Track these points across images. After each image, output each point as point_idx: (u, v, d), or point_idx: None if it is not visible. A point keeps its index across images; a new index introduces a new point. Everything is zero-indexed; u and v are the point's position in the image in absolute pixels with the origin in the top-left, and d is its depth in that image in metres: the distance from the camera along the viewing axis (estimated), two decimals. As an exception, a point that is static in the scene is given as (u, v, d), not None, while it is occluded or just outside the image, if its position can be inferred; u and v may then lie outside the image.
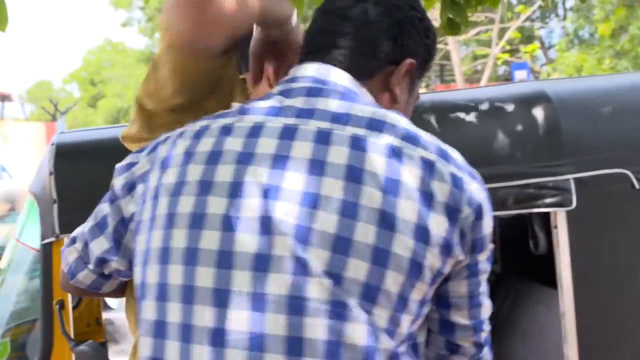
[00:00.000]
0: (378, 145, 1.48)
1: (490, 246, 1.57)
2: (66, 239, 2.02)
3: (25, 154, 22.32)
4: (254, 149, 1.51)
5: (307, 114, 1.55)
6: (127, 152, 2.62)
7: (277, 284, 1.42)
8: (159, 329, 1.53)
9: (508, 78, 27.13)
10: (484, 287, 1.61)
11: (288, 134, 1.52)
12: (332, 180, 1.45)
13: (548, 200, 2.67)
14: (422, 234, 1.44)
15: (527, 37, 26.21)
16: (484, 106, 2.72)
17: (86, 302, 3.70)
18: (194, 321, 1.48)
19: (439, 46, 20.57)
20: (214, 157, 1.54)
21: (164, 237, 1.55)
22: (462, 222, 1.49)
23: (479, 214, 1.51)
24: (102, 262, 1.79)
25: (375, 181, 1.44)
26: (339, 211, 1.43)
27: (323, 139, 1.49)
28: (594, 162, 2.72)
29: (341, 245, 1.43)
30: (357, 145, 1.48)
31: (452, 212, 1.48)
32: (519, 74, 18.08)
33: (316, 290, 1.42)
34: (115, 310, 3.80)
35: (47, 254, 2.66)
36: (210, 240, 1.48)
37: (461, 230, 1.49)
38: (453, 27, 3.36)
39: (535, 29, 26.61)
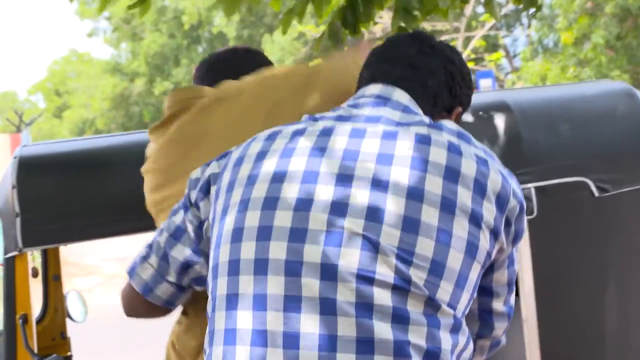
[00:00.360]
0: (440, 140, 1.72)
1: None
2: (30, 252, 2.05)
3: (-11, 166, 22.14)
4: (327, 145, 1.74)
5: (374, 120, 1.78)
6: (89, 165, 2.63)
7: (346, 257, 1.63)
8: (231, 301, 1.68)
9: (474, 86, 27.28)
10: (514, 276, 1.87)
11: (357, 134, 1.75)
12: (400, 169, 1.68)
13: None
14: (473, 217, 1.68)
15: (492, 45, 26.37)
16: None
17: (51, 315, 3.67)
18: (267, 290, 1.64)
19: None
20: (288, 152, 1.75)
21: (237, 219, 1.71)
22: (509, 212, 1.74)
23: (522, 206, 1.77)
24: (186, 267, 1.93)
25: (437, 170, 1.67)
26: (407, 194, 1.65)
27: (389, 136, 1.72)
28: (555, 171, 2.75)
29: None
30: (422, 140, 1.71)
31: (501, 202, 1.72)
32: (484, 82, 18.17)
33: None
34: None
35: (9, 268, 2.63)
36: (283, 218, 1.68)
37: (507, 219, 1.74)
38: None
39: (500, 37, 26.80)
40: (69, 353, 3.66)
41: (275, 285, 1.64)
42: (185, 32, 33.79)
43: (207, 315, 1.79)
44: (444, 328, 1.66)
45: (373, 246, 1.63)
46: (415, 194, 1.65)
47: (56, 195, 2.61)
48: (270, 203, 1.70)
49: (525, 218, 1.81)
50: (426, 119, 1.81)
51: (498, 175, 1.73)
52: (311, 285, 1.62)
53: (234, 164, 1.82)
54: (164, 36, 34.31)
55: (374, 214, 1.65)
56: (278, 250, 1.66)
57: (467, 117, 2.75)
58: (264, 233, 1.68)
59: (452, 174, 1.68)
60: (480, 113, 2.77)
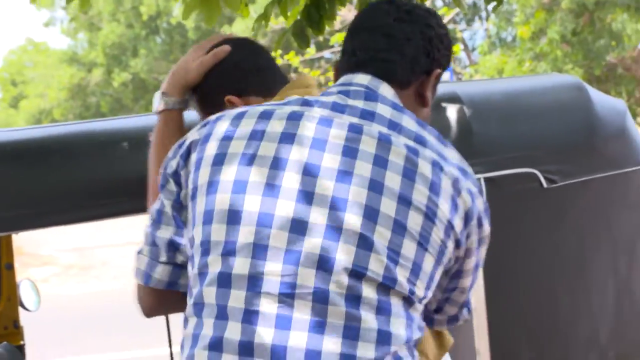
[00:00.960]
0: (425, 155, 1.85)
1: (487, 241, 2.00)
2: None
3: (-57, 156, 21.84)
4: (327, 137, 1.83)
5: (369, 115, 1.88)
6: (41, 153, 2.62)
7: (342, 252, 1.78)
8: (224, 280, 1.76)
9: (432, 79, 27.37)
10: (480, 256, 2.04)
11: (355, 130, 1.84)
12: (393, 174, 1.80)
13: None
14: (447, 228, 1.85)
15: (451, 38, 26.50)
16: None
17: (3, 304, 3.65)
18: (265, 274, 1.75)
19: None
20: (289, 137, 1.83)
21: (232, 199, 1.79)
22: (469, 228, 1.91)
23: (480, 223, 1.94)
24: (172, 247, 1.96)
25: (424, 182, 1.81)
26: (398, 199, 1.79)
27: (385, 140, 1.83)
28: (504, 162, 2.79)
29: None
30: (411, 150, 1.83)
31: (467, 219, 1.89)
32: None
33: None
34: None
35: (-39, 257, 2.63)
36: (284, 208, 1.77)
37: (467, 233, 1.91)
38: None
39: (458, 31, 26.96)
40: (21, 342, 3.66)
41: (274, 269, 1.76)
42: (143, 23, 33.53)
43: (192, 287, 1.84)
44: (415, 322, 1.84)
45: (368, 244, 1.77)
46: (405, 201, 1.79)
47: (7, 183, 2.59)
48: (272, 190, 1.80)
49: (487, 226, 1.97)
50: (413, 124, 1.91)
51: (467, 194, 1.89)
52: (308, 275, 1.74)
53: (222, 138, 1.88)
54: (122, 26, 34.02)
55: (370, 214, 1.78)
56: (278, 240, 1.77)
57: None
58: (266, 219, 1.78)
59: (436, 188, 1.83)
60: (432, 104, 2.80)
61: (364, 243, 1.76)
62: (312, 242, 1.76)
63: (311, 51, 20.01)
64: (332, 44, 20.28)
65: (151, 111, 2.45)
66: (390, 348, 1.76)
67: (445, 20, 20.07)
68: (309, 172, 1.80)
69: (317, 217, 1.77)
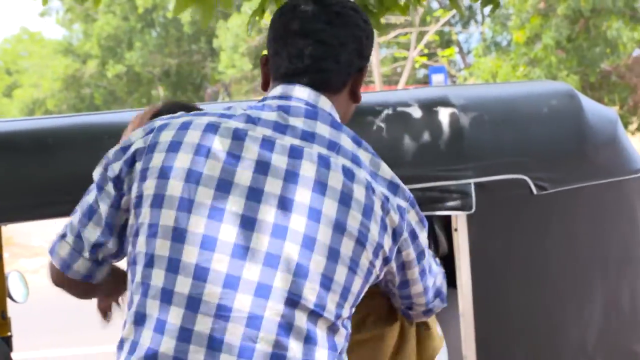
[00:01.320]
0: (360, 178, 1.91)
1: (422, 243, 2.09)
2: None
3: None
4: (270, 161, 1.87)
5: (309, 137, 1.92)
6: (33, 145, 2.62)
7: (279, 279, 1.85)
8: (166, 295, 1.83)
9: (427, 81, 27.46)
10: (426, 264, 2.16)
11: (296, 154, 1.89)
12: (331, 201, 1.86)
13: (449, 204, 2.74)
14: (376, 249, 1.93)
15: (446, 41, 26.54)
16: (389, 110, 2.78)
17: (-10, 295, 3.65)
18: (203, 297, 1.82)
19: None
20: (234, 159, 1.86)
21: (178, 217, 1.84)
22: (400, 244, 2.00)
23: (414, 235, 2.02)
24: (97, 246, 2.00)
25: (358, 207, 1.88)
26: (333, 227, 1.86)
27: (324, 164, 1.89)
28: (494, 168, 2.80)
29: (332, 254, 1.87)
30: (347, 174, 1.90)
31: (396, 236, 1.98)
32: (437, 78, 18.30)
33: None
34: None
35: (-51, 247, 2.63)
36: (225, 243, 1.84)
37: (398, 249, 2.00)
38: None
39: (454, 33, 26.98)
40: (9, 333, 3.64)
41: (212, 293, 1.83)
42: (139, 16, 33.47)
43: (133, 293, 1.90)
44: (338, 349, 1.93)
45: (303, 272, 1.83)
46: (339, 228, 1.87)
47: (-1, 174, 2.60)
48: (218, 212, 1.85)
49: (421, 239, 2.07)
50: (350, 143, 1.97)
51: (396, 211, 1.96)
52: (243, 300, 1.81)
53: (168, 149, 1.90)
54: (117, 18, 33.94)
55: (308, 243, 1.85)
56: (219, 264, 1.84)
57: (412, 111, 2.78)
58: (206, 241, 1.83)
59: (368, 212, 1.92)
60: (424, 108, 2.81)
61: (300, 271, 1.84)
62: (252, 269, 1.82)
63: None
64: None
65: (145, 105, 2.47)
66: None
67: (441, 23, 20.09)
68: (252, 197, 1.85)
69: (258, 243, 1.83)
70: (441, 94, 2.86)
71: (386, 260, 1.99)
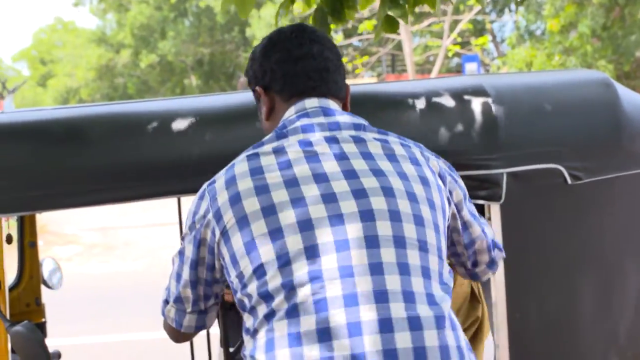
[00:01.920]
0: (392, 140, 2.20)
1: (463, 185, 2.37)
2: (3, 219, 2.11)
3: (-29, 132, 21.94)
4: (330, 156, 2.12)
5: (334, 125, 2.19)
6: (67, 134, 2.63)
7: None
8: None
9: (460, 70, 27.32)
10: (471, 207, 2.44)
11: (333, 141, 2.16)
12: (381, 162, 2.13)
13: (481, 193, 2.73)
14: (440, 190, 2.20)
15: (480, 30, 26.38)
16: (423, 98, 2.77)
17: (25, 282, 3.68)
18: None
19: (391, 36, 20.63)
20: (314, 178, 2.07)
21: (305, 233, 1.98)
22: (449, 185, 2.27)
23: (453, 177, 2.32)
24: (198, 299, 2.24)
25: (404, 158, 2.15)
26: (399, 176, 2.14)
27: (358, 140, 2.16)
28: (528, 157, 2.77)
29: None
30: (382, 141, 2.18)
31: (442, 178, 2.25)
32: (470, 67, 18.21)
33: None
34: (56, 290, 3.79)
35: (-17, 234, 2.65)
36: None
37: (449, 189, 2.26)
38: (391, 24, 3.41)
39: (487, 22, 26.80)
40: (43, 319, 3.69)
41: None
42: (172, 5, 33.60)
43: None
44: None
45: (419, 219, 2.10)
46: (404, 175, 2.14)
47: (32, 162, 2.62)
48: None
49: (461, 182, 2.30)
50: (367, 124, 2.27)
51: (435, 159, 2.31)
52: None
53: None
54: (151, 8, 34.09)
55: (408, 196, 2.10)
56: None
57: (444, 100, 2.77)
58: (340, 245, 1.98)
59: (414, 161, 2.21)
60: (458, 97, 2.79)
61: (419, 220, 2.07)
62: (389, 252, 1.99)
63: (338, 38, 19.97)
64: (360, 32, 20.24)
65: (177, 94, 2.49)
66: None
67: (475, 11, 19.89)
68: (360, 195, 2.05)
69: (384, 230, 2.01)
70: (476, 82, 2.84)
71: (448, 201, 2.23)
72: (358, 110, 2.73)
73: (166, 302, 2.27)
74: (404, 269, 1.95)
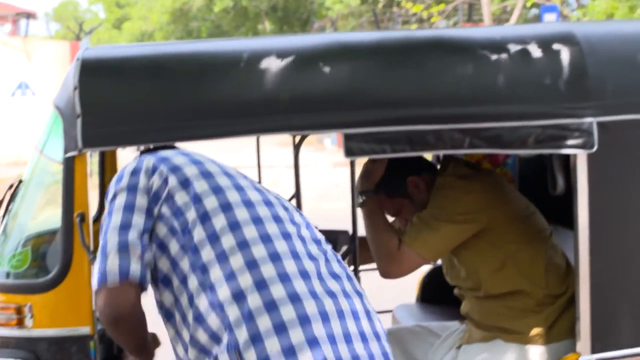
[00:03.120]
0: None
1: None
2: (89, 153, 2.14)
3: (48, 72, 22.32)
4: None
5: None
6: (151, 70, 2.64)
7: None
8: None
9: (538, 21, 26.80)
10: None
11: None
12: None
13: (569, 142, 2.67)
14: None
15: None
16: (511, 45, 2.70)
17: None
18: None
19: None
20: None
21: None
22: None
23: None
24: None
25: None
26: None
27: None
28: (618, 107, 2.70)
29: None
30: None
31: None
32: (548, 17, 17.80)
33: None
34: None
35: (69, 167, 2.69)
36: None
37: None
38: None
39: (568, -28, 26.17)
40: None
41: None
42: (248, -51, 33.50)
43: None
44: None
45: None
46: None
47: (117, 98, 2.64)
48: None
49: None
50: None
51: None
52: None
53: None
54: (226, -48, 34.05)
55: None
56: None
57: (534, 47, 2.70)
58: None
59: None
60: (547, 44, 2.72)
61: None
62: None
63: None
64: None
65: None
66: None
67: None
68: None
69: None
70: (565, 29, 2.77)
71: None
72: (444, 56, 2.70)
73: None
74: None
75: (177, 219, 2.25)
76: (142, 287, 2.25)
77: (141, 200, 2.27)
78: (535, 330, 2.95)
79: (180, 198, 2.27)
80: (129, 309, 2.23)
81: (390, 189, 3.08)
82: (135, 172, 2.32)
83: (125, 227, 2.24)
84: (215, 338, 2.16)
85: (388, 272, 2.98)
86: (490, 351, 3.00)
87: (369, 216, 3.02)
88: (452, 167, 3.02)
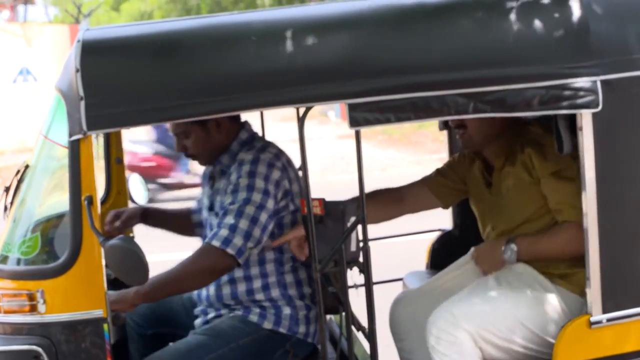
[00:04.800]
0: None
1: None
2: (94, 135, 2.13)
3: (49, 57, 22.27)
4: None
5: None
6: (153, 49, 2.63)
7: None
8: None
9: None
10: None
11: None
12: None
13: (574, 102, 2.66)
14: None
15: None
16: (510, 5, 2.68)
17: (113, 197, 3.74)
18: None
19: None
20: None
21: None
22: None
23: None
24: None
25: None
26: None
27: None
28: (622, 65, 2.69)
29: None
30: None
31: None
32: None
33: None
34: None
35: (74, 151, 2.68)
36: None
37: None
38: None
39: None
40: (131, 234, 3.75)
41: None
42: None
43: None
44: None
45: None
46: None
47: (120, 78, 2.63)
48: None
49: None
50: None
51: None
52: None
53: None
54: None
55: None
56: None
57: (532, 8, 2.68)
58: None
59: None
60: (546, 3, 2.70)
61: None
62: None
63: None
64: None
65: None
66: None
67: None
68: None
69: None
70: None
71: None
72: (443, 21, 2.68)
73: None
74: None
75: None
76: None
77: None
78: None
79: None
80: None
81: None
82: None
83: None
84: None
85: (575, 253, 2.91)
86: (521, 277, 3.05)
87: (531, 256, 3.02)
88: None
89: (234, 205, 2.99)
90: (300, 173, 3.15)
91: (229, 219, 2.96)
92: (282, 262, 3.13)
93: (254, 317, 3.11)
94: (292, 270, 3.15)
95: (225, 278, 3.11)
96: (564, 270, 3.00)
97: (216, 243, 2.94)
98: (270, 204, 3.01)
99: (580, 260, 2.81)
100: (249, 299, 3.12)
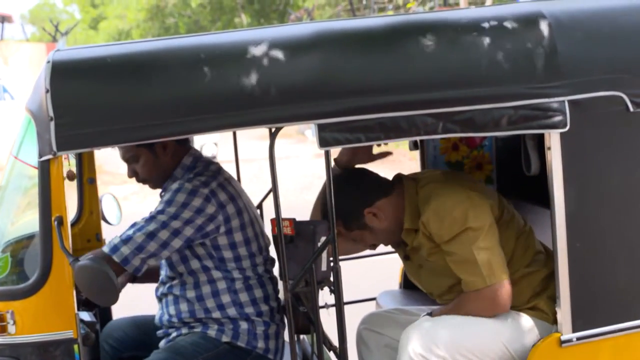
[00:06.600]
0: None
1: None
2: (64, 156, 2.11)
3: (26, 75, 22.22)
4: None
5: None
6: (123, 69, 2.63)
7: None
8: None
9: (513, 2, 26.79)
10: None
11: None
12: None
13: (543, 122, 2.68)
14: None
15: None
16: (480, 26, 2.71)
17: (86, 218, 3.73)
18: None
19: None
20: None
21: None
22: None
23: None
24: None
25: None
26: None
27: None
28: (589, 85, 2.72)
29: None
30: None
31: None
32: (524, -2, 17.85)
33: None
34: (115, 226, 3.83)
35: (44, 171, 2.67)
36: None
37: None
38: None
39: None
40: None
41: None
42: (222, -57, 33.37)
43: None
44: None
45: None
46: None
47: (90, 99, 2.62)
48: None
49: None
50: None
51: None
52: None
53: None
54: (201, -54, 33.92)
55: None
56: None
57: (504, 28, 2.70)
58: None
59: None
60: (516, 24, 2.73)
61: None
62: None
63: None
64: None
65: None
66: None
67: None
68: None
69: None
70: (534, 8, 2.78)
71: None
72: (413, 41, 2.69)
73: None
74: None
75: None
76: None
77: None
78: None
79: None
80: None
81: (348, 223, 3.08)
82: None
83: None
84: None
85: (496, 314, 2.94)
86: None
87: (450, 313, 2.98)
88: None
89: (138, 224, 3.02)
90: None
91: (128, 232, 2.98)
92: (232, 279, 3.14)
93: (212, 333, 3.14)
94: (246, 289, 3.16)
95: (182, 298, 3.15)
96: (533, 302, 3.01)
97: (106, 249, 2.95)
98: (176, 224, 3.01)
99: (545, 288, 2.83)
100: (206, 317, 3.14)
